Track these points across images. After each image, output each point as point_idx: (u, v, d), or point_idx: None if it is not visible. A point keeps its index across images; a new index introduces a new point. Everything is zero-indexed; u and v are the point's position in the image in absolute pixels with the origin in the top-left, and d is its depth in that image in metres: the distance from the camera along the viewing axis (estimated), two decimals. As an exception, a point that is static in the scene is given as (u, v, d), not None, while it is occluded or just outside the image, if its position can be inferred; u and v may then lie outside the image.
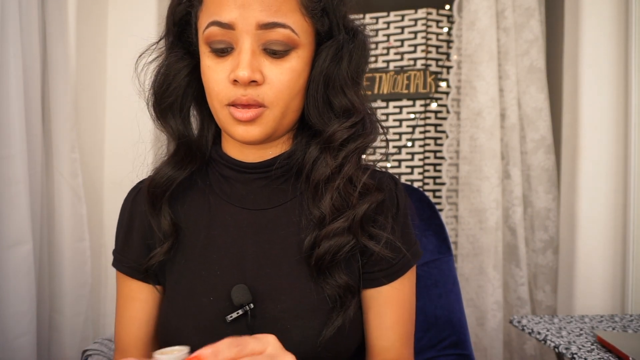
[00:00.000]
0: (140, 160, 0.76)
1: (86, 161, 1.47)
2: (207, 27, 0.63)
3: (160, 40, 0.72)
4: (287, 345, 0.65)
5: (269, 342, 0.50)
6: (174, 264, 0.71)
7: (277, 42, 0.63)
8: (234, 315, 0.65)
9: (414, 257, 0.72)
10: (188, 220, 0.72)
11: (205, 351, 0.46)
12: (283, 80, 0.64)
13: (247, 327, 0.65)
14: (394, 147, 1.74)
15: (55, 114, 1.28)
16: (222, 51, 0.64)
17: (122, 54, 1.53)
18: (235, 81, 0.62)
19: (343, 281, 0.66)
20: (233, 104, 0.63)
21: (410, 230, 0.72)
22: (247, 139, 0.65)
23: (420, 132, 1.72)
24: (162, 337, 0.71)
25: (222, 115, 0.65)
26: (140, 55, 0.73)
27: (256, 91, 0.63)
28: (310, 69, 0.67)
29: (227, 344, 0.47)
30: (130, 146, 0.76)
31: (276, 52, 0.63)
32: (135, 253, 0.73)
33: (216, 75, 0.64)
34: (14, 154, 1.11)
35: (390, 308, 0.70)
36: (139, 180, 0.78)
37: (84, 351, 1.02)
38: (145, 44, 0.74)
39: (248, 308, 0.65)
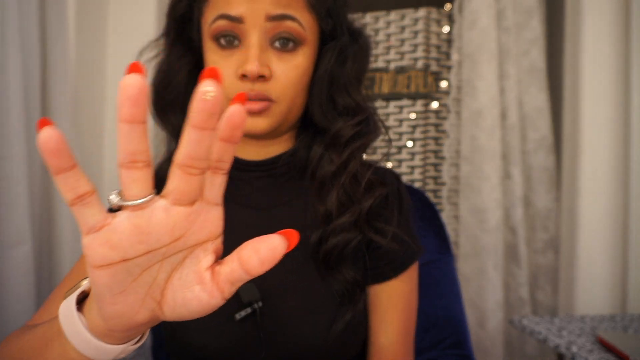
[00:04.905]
0: None
1: (86, 161, 1.46)
2: (215, 20, 0.63)
3: (160, 37, 0.72)
4: (297, 341, 0.66)
5: None
6: None
7: (285, 35, 0.63)
8: (243, 313, 0.65)
9: (419, 250, 0.72)
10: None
11: None
12: (290, 76, 0.64)
13: (256, 325, 0.66)
14: (394, 146, 1.73)
15: (55, 114, 1.28)
16: (229, 43, 0.64)
17: (122, 54, 1.53)
18: (243, 76, 0.62)
19: (350, 276, 0.67)
20: None
21: (412, 224, 0.73)
22: (253, 131, 0.65)
23: (421, 132, 1.72)
24: (167, 335, 0.71)
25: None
26: (141, 52, 0.73)
27: (264, 86, 0.63)
28: (315, 68, 0.68)
29: None
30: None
31: (284, 47, 0.64)
32: None
33: (222, 71, 0.64)
34: (14, 154, 1.11)
35: (393, 304, 0.70)
36: None
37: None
38: (146, 42, 0.75)
39: (257, 306, 0.65)
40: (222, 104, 0.30)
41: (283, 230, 0.34)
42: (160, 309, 0.36)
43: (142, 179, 0.31)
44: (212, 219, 0.34)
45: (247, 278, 0.34)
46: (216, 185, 0.34)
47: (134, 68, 0.29)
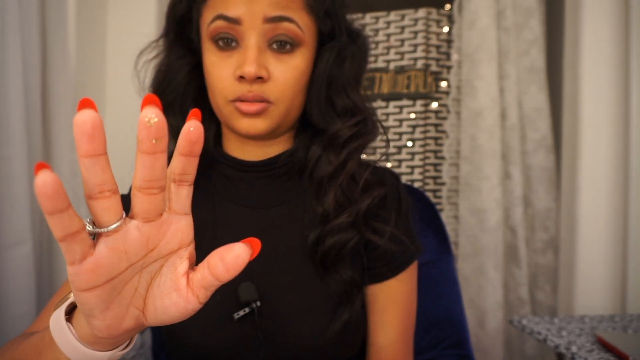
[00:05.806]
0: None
1: (86, 161, 1.47)
2: (213, 21, 0.63)
3: (160, 37, 0.72)
4: (295, 340, 0.66)
5: None
6: None
7: (283, 37, 0.63)
8: (241, 313, 0.65)
9: (418, 251, 0.72)
10: (193, 221, 0.72)
11: None
12: (288, 77, 0.64)
13: (255, 324, 0.66)
14: (394, 146, 1.73)
15: (55, 114, 1.28)
16: (227, 45, 0.64)
17: (122, 54, 1.53)
18: (241, 77, 0.62)
19: (348, 276, 0.67)
20: (239, 100, 0.63)
21: (412, 224, 0.73)
22: (252, 132, 0.65)
23: (421, 132, 1.72)
24: (167, 335, 0.71)
25: (226, 110, 0.65)
26: (141, 53, 0.73)
27: (262, 88, 0.63)
28: (313, 69, 0.68)
29: None
30: (129, 146, 0.76)
31: (282, 48, 0.64)
32: None
33: (220, 72, 0.64)
34: (14, 154, 1.11)
35: (391, 304, 0.70)
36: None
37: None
38: (146, 42, 0.74)
39: (255, 306, 0.65)
40: (165, 128, 0.32)
41: (247, 238, 0.36)
42: (144, 316, 0.39)
43: (112, 206, 0.33)
44: (183, 228, 0.37)
45: (218, 284, 0.36)
46: (182, 196, 0.36)
47: (85, 104, 0.30)
